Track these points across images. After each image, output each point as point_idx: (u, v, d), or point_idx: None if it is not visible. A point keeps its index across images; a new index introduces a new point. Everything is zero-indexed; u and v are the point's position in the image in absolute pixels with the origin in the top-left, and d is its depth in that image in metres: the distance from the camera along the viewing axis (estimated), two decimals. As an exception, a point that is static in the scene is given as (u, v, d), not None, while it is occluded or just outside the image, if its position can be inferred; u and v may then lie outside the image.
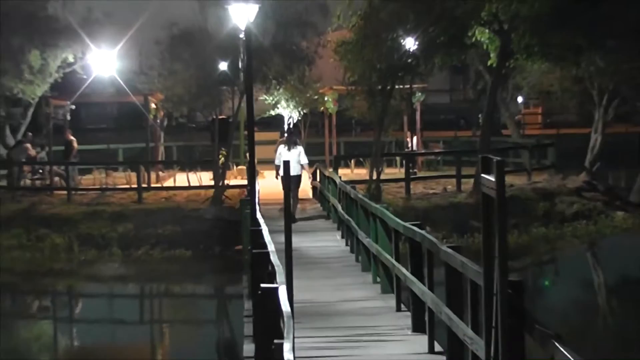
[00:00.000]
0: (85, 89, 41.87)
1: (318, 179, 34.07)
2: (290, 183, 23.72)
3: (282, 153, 28.56)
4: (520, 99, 67.64)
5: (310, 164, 34.12)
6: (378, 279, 17.79)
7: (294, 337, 8.01)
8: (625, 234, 35.13)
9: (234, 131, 37.88)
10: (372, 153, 38.24)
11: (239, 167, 41.41)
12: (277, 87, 39.75)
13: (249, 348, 12.20)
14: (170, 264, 30.03)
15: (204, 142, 44.50)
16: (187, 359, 20.94)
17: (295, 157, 28.06)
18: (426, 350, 12.70)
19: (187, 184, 37.41)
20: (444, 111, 74.05)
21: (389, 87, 36.51)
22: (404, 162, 40.84)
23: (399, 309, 15.43)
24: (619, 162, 43.01)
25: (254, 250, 14.25)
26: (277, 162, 28.93)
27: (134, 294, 29.32)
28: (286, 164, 24.43)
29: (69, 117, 43.14)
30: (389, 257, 16.26)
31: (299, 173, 27.58)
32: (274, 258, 12.66)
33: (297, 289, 14.00)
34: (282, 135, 33.40)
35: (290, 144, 29.29)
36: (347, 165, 43.66)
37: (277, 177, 28.74)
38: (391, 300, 16.02)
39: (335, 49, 36.41)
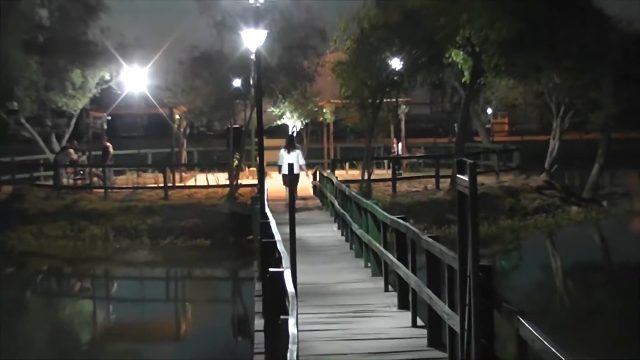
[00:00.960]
0: (119, 102, 41.90)
1: (318, 179, 34.05)
2: (288, 178, 24.77)
3: (284, 155, 29.62)
4: (489, 111, 67.49)
5: (311, 166, 34.26)
6: (369, 264, 17.76)
7: (297, 313, 8.03)
8: (578, 225, 35.21)
9: (246, 138, 37.85)
10: (364, 157, 38.22)
11: (250, 168, 41.32)
12: (283, 101, 39.74)
13: (259, 323, 12.20)
14: (191, 251, 30.01)
15: (221, 148, 44.43)
16: (206, 331, 20.90)
17: (294, 158, 28.46)
18: (410, 324, 12.71)
19: (206, 183, 37.38)
20: (424, 121, 74.25)
21: (378, 101, 36.49)
22: (390, 164, 41.01)
23: (386, 290, 15.42)
24: (573, 164, 42.98)
25: (263, 240, 14.22)
26: (279, 162, 30.00)
27: (161, 276, 29.33)
28: (291, 167, 24.51)
29: (105, 127, 43.24)
30: (378, 245, 16.27)
31: (297, 172, 27.85)
32: (280, 246, 12.65)
33: (299, 272, 13.97)
34: (288, 141, 33.58)
35: (290, 148, 30.27)
36: (342, 167, 43.73)
37: (279, 172, 30.15)
38: (380, 282, 16.01)
39: (332, 68, 36.35)
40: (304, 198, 31.81)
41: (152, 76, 41.10)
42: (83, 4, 42.07)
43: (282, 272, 9.79)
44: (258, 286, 14.90)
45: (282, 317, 7.96)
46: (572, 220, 35.60)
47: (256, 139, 27.86)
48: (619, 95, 37.64)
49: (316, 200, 32.43)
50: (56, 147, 41.71)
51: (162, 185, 35.62)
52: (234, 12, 34.72)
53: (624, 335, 19.24)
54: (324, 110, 43.52)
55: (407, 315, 13.10)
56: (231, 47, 35.62)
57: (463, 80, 36.44)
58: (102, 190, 36.16)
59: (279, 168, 30.16)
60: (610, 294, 24.78)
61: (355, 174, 39.06)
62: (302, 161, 31.04)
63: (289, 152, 30.02)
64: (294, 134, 39.60)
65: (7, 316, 23.79)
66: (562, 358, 6.38)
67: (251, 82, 31.57)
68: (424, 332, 11.87)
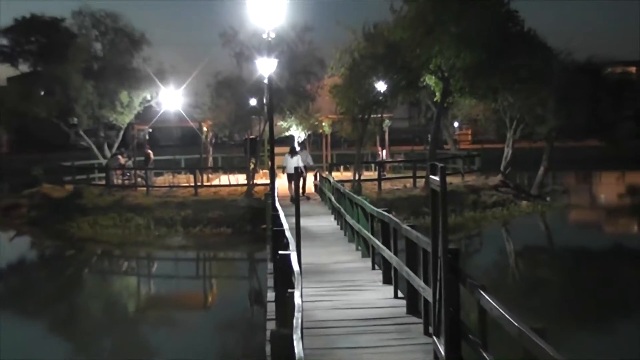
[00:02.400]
0: (158, 117, 41.85)
1: (318, 179, 34.13)
2: (293, 177, 28.76)
3: (287, 159, 30.97)
4: (456, 124, 67.38)
5: (312, 169, 34.34)
6: (359, 248, 17.78)
7: (301, 288, 8.03)
8: (527, 216, 35.24)
9: (260, 146, 37.85)
10: (355, 161, 38.21)
11: (264, 171, 41.31)
12: (290, 116, 39.69)
13: (271, 295, 12.20)
14: (216, 238, 30.01)
15: (240, 154, 44.33)
16: (228, 302, 20.92)
17: (295, 162, 29.85)
18: (392, 296, 12.71)
19: (228, 183, 37.32)
20: (404, 132, 74.35)
21: (366, 116, 36.54)
22: (376, 167, 41.03)
23: (373, 268, 15.41)
24: (523, 167, 42.99)
25: (273, 228, 14.21)
26: (283, 164, 31.74)
27: (192, 258, 29.32)
28: (296, 169, 24.63)
29: (147, 137, 43.31)
30: (366, 232, 16.27)
31: (301, 170, 28.69)
32: (287, 233, 12.64)
33: (303, 254, 13.99)
34: (290, 149, 33.86)
35: (292, 153, 31.51)
36: (338, 170, 43.74)
37: (283, 172, 31.81)
38: (368, 262, 16.00)
39: (330, 90, 36.36)
40: (307, 195, 31.81)
41: (185, 96, 41.13)
42: (129, 38, 42.18)
43: (289, 254, 9.78)
44: (270, 265, 14.87)
45: (289, 290, 7.95)
46: (522, 212, 35.63)
47: (268, 147, 27.86)
48: (560, 112, 37.65)
49: (317, 197, 32.42)
50: (107, 154, 41.85)
51: (192, 184, 35.62)
52: (250, 45, 34.83)
53: (562, 303, 19.29)
54: (323, 124, 43.49)
55: (390, 289, 13.10)
56: (248, 73, 35.66)
57: (435, 99, 36.52)
58: (145, 188, 36.20)
59: (283, 169, 31.29)
60: (552, 270, 24.85)
61: (348, 175, 39.03)
62: (310, 162, 33.36)
63: (292, 157, 31.14)
64: (300, 143, 39.69)
65: (69, 289, 23.90)
66: (514, 323, 6.38)
67: (264, 101, 31.49)
68: (404, 302, 11.88)
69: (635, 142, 45.12)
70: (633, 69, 74.17)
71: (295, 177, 23.68)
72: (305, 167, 32.30)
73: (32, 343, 17.11)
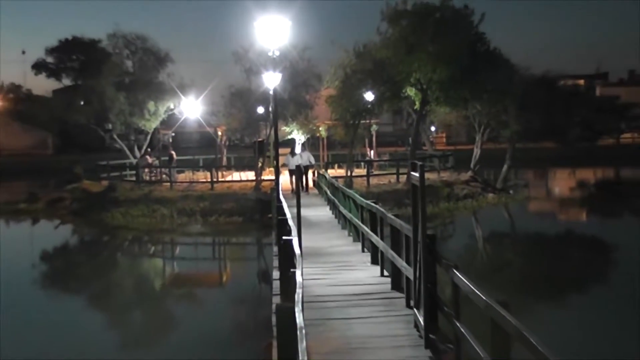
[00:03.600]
0: (180, 123, 41.99)
1: (316, 176, 34.13)
2: (293, 173, 30.05)
3: (289, 158, 31.91)
4: (433, 128, 67.50)
5: (311, 166, 34.31)
6: (351, 234, 17.76)
7: (302, 267, 8.02)
8: (493, 207, 35.27)
9: (266, 148, 37.75)
10: (347, 160, 38.25)
11: (270, 168, 41.28)
12: (292, 122, 39.67)
13: (276, 274, 12.18)
14: (230, 225, 29.99)
15: (249, 155, 44.22)
16: (240, 280, 20.92)
17: (295, 161, 30.68)
18: (379, 275, 12.71)
19: (239, 179, 37.33)
20: (389, 135, 74.01)
21: (356, 122, 36.56)
22: (365, 165, 40.99)
23: (363, 251, 15.40)
24: (489, 165, 43.01)
25: (278, 217, 14.22)
26: (285, 162, 31.87)
27: (209, 242, 29.30)
28: (298, 167, 24.68)
29: (170, 140, 43.41)
30: (357, 221, 16.27)
31: (304, 166, 29.92)
32: (290, 222, 12.65)
33: (303, 239, 13.98)
34: (290, 150, 34.00)
35: (292, 154, 32.59)
36: (333, 168, 43.69)
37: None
38: (358, 246, 16.01)
39: (326, 100, 36.40)
40: (309, 190, 31.84)
41: (202, 105, 41.06)
42: (155, 56, 42.08)
43: (291, 239, 9.78)
44: (275, 249, 14.86)
45: (291, 270, 7.95)
46: (489, 203, 35.65)
47: (273, 149, 27.93)
48: (520, 118, 37.72)
49: (315, 191, 32.40)
50: (137, 154, 41.72)
51: (209, 180, 35.57)
52: (258, 61, 34.80)
53: (522, 281, 19.30)
54: (320, 128, 43.43)
55: (377, 269, 13.10)
56: (256, 86, 35.60)
57: (415, 107, 36.49)
58: (168, 184, 36.14)
59: (284, 166, 30.80)
60: (514, 252, 24.88)
61: (341, 172, 38.99)
62: (312, 161, 34.07)
63: (292, 156, 32.06)
64: (302, 145, 39.62)
65: (104, 269, 23.88)
66: (482, 297, 6.37)
67: (270, 109, 31.47)
68: (388, 280, 11.87)
69: (583, 144, 45.23)
70: (581, 82, 74.48)
71: (296, 173, 23.74)
72: (307, 166, 32.39)
73: (74, 314, 17.16)
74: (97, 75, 41.82)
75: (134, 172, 39.08)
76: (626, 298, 16.64)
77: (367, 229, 14.39)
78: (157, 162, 40.95)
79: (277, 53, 16.56)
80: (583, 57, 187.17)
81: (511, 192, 39.48)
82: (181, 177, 40.06)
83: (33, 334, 14.64)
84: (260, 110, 37.63)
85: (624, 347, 12.44)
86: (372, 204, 13.93)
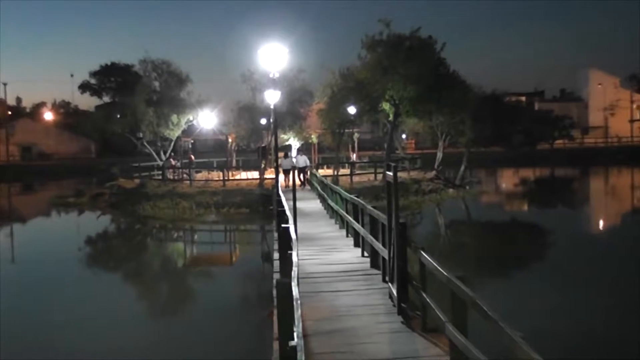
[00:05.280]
0: (198, 132, 41.82)
1: (310, 175, 34.03)
2: (286, 173, 29.94)
3: (282, 160, 30.98)
4: (404, 136, 67.28)
5: (307, 167, 34.21)
6: (337, 222, 17.71)
7: (297, 250, 7.97)
8: (453, 199, 35.26)
9: (268, 152, 37.68)
10: (335, 162, 38.22)
11: (271, 169, 41.21)
12: (289, 131, 39.62)
13: (276, 255, 12.12)
14: (238, 215, 29.87)
15: (254, 157, 44.12)
16: (247, 260, 20.82)
17: (288, 163, 30.33)
18: (360, 255, 12.66)
19: (246, 177, 37.19)
20: (368, 142, 73.76)
21: (342, 131, 36.66)
22: (349, 166, 40.92)
23: (347, 236, 15.32)
24: (450, 166, 43.05)
25: (278, 209, 14.17)
26: (279, 162, 30.67)
27: (221, 229, 29.16)
28: (293, 168, 24.55)
29: (190, 146, 43.04)
30: (342, 212, 16.22)
31: (289, 168, 28.80)
32: (287, 212, 12.59)
33: (298, 227, 13.93)
34: (285, 154, 33.96)
35: (286, 157, 32.47)
36: (322, 168, 43.56)
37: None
38: (343, 232, 15.95)
39: (317, 112, 36.53)
40: (305, 186, 31.76)
41: (216, 117, 40.95)
42: (178, 78, 42.05)
43: (288, 227, 9.72)
44: (275, 234, 14.81)
45: (289, 251, 7.91)
46: (450, 197, 35.60)
47: (274, 153, 27.89)
48: (474, 128, 37.76)
49: (308, 187, 32.33)
50: (163, 157, 41.57)
51: (221, 178, 35.40)
52: (261, 82, 34.89)
53: (476, 259, 19.32)
54: (312, 136, 43.41)
55: (358, 250, 13.07)
56: (260, 101, 35.73)
57: (389, 119, 36.43)
58: (188, 182, 35.98)
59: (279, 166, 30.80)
60: (469, 236, 24.88)
61: (329, 172, 38.86)
62: (308, 163, 33.51)
63: (285, 158, 32.00)
64: (298, 149, 39.51)
65: (136, 251, 23.77)
66: (443, 272, 6.33)
67: (271, 120, 31.46)
68: (368, 259, 11.83)
69: (524, 148, 45.35)
70: (523, 98, 74.81)
71: (292, 172, 23.43)
72: (304, 167, 32.24)
73: (112, 287, 17.12)
74: (131, 94, 41.88)
75: (160, 172, 38.93)
76: (559, 271, 16.70)
77: (350, 218, 14.35)
78: (179, 164, 40.78)
79: (277, 75, 16.45)
80: (524, 78, 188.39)
81: (467, 187, 39.54)
82: (199, 176, 39.92)
83: (79, 303, 14.53)
84: (263, 121, 37.61)
85: (560, 310, 12.43)
86: (355, 198, 13.89)
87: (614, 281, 15.30)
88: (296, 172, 27.23)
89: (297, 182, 33.69)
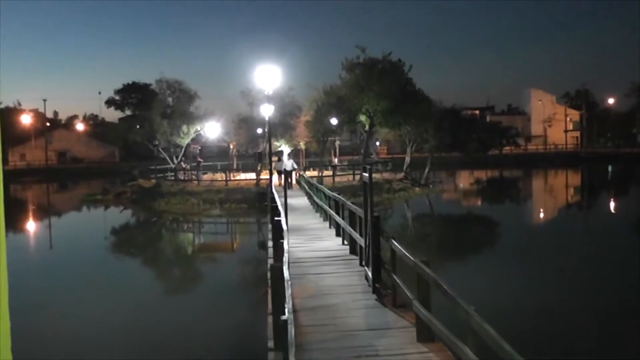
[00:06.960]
0: (204, 140, 41.56)
1: (298, 176, 33.93)
2: (279, 174, 29.39)
3: (275, 163, 30.61)
4: (377, 143, 67.26)
5: (294, 170, 34.13)
6: (322, 216, 17.67)
7: (288, 239, 7.92)
8: (419, 196, 35.20)
9: (263, 156, 37.55)
10: (320, 165, 38.14)
11: (265, 171, 41.05)
12: (280, 139, 39.49)
13: (270, 243, 12.04)
14: (238, 210, 29.69)
15: (252, 161, 43.92)
16: (245, 248, 20.68)
17: (280, 165, 30.13)
18: (341, 244, 12.63)
19: (245, 178, 36.97)
20: (348, 148, 73.69)
21: (325, 139, 36.59)
22: (331, 168, 40.81)
23: (330, 227, 15.26)
24: (416, 168, 43.11)
25: (272, 204, 14.09)
26: (273, 165, 30.63)
27: (224, 222, 28.96)
28: (285, 170, 24.48)
29: (198, 152, 42.74)
30: (326, 207, 16.17)
31: (290, 170, 28.63)
32: (280, 208, 12.53)
33: (289, 219, 13.85)
34: (277, 158, 33.86)
35: (278, 160, 32.12)
36: (309, 170, 43.40)
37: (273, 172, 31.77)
38: (327, 224, 15.88)
39: (304, 123, 36.45)
40: (293, 186, 31.62)
41: (219, 127, 40.75)
42: (188, 94, 41.88)
43: (280, 220, 9.66)
44: (269, 226, 14.73)
45: (280, 240, 7.86)
46: (416, 194, 35.51)
47: (268, 157, 27.80)
48: (436, 136, 37.82)
49: (298, 186, 32.23)
50: (175, 161, 41.24)
51: (224, 179, 35.18)
52: (258, 97, 34.71)
53: (438, 246, 19.38)
54: (300, 143, 43.34)
55: (339, 239, 13.02)
56: (256, 114, 35.47)
57: (365, 128, 36.49)
58: (196, 182, 35.72)
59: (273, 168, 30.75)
60: (432, 227, 24.92)
61: (315, 173, 38.71)
62: (296, 166, 33.01)
63: (278, 161, 31.65)
64: (288, 154, 39.39)
65: (153, 241, 23.54)
66: (410, 257, 6.32)
67: (266, 130, 31.34)
68: (347, 247, 11.82)
69: (478, 154, 45.55)
70: (477, 112, 75.05)
71: (284, 174, 23.46)
72: (291, 170, 32.03)
73: (133, 270, 16.98)
74: (149, 108, 41.60)
75: (173, 173, 38.66)
76: (507, 256, 16.79)
77: (332, 212, 14.33)
78: (188, 167, 40.50)
79: (271, 91, 16.38)
80: (478, 95, 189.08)
81: (431, 186, 39.61)
82: (205, 177, 39.64)
83: (107, 283, 14.45)
84: (259, 130, 37.43)
85: (508, 288, 12.48)
86: (336, 195, 13.88)
87: (550, 258, 15.52)
88: (284, 174, 27.06)
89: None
